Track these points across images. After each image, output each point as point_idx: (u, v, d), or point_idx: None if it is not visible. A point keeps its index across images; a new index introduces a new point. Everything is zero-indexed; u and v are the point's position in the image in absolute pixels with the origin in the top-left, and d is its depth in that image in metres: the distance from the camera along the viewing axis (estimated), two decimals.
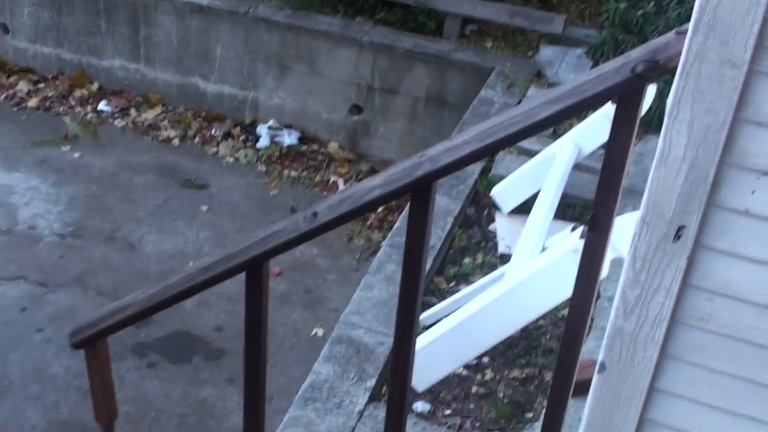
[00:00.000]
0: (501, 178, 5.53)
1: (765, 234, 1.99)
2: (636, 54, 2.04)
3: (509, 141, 2.15)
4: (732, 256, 2.04)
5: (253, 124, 7.70)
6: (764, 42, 1.81)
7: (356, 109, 7.42)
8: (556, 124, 2.12)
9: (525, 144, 5.83)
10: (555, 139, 5.46)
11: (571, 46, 6.94)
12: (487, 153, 2.23)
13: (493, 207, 5.50)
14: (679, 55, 1.88)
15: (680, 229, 2.01)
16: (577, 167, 5.16)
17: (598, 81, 2.06)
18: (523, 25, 7.18)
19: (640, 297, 2.11)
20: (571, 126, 5.42)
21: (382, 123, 7.37)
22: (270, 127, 7.59)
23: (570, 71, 6.66)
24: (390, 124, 7.34)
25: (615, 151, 2.13)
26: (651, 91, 4.44)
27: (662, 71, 2.00)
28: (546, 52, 6.89)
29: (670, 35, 2.01)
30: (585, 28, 7.17)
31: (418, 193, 2.25)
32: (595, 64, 6.51)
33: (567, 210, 5.39)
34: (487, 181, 5.71)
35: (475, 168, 5.75)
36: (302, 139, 7.59)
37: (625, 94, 2.07)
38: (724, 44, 1.81)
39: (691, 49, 1.83)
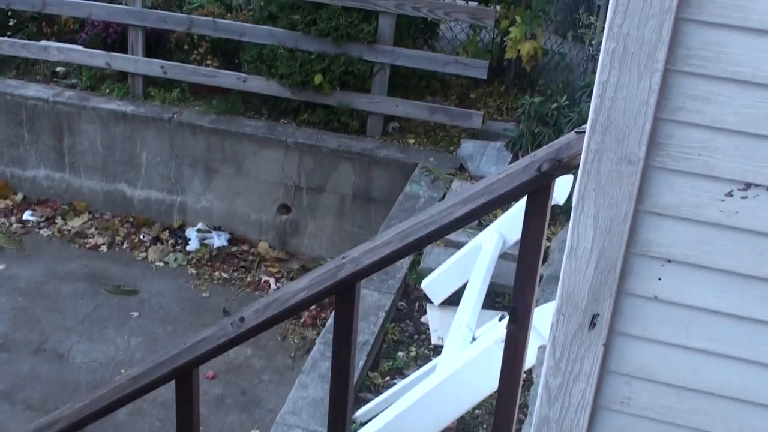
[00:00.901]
0: (430, 270, 5.63)
1: (673, 318, 2.10)
2: (541, 153, 2.17)
3: (427, 240, 2.24)
4: (645, 340, 2.14)
5: (182, 228, 7.71)
6: (657, 139, 1.95)
7: (284, 208, 7.50)
8: (471, 221, 2.23)
9: (452, 236, 5.94)
10: (480, 231, 5.59)
11: (491, 139, 7.16)
12: (407, 252, 2.32)
13: (425, 299, 5.58)
14: (580, 153, 2.00)
15: (594, 317, 2.11)
16: (503, 256, 5.28)
17: (508, 180, 2.18)
18: (444, 122, 7.40)
19: (562, 385, 2.18)
20: (495, 217, 5.57)
21: (311, 221, 7.45)
22: (199, 230, 7.60)
23: (491, 164, 6.85)
24: (319, 221, 7.43)
25: (528, 245, 2.23)
26: (570, 179, 4.62)
27: (566, 169, 2.12)
28: (467, 147, 7.09)
29: (572, 135, 2.14)
30: (503, 122, 7.41)
31: (342, 294, 2.32)
32: (515, 157, 6.72)
33: (496, 299, 5.49)
34: (417, 274, 5.79)
35: (404, 262, 5.83)
36: (232, 241, 7.61)
37: (534, 191, 2.19)
38: (620, 142, 1.94)
39: (590, 148, 1.96)
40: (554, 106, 6.47)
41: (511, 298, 2.30)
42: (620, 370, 2.16)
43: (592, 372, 2.14)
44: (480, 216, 2.34)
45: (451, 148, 7.28)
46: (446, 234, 2.25)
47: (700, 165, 1.95)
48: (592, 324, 2.11)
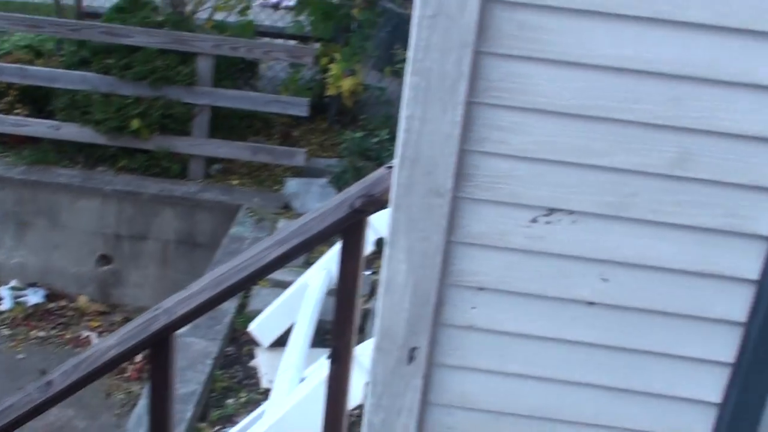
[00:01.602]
0: (258, 312, 5.54)
1: (489, 345, 2.13)
2: (354, 190, 2.16)
3: (243, 285, 2.19)
4: (464, 369, 2.15)
5: None
6: (464, 170, 1.97)
7: (105, 259, 7.22)
8: (287, 263, 2.20)
9: (278, 276, 5.88)
10: (307, 269, 5.56)
11: (315, 176, 7.17)
12: (223, 299, 2.25)
13: (253, 343, 5.48)
14: None
15: (413, 351, 2.10)
16: (331, 293, 5.26)
17: (321, 219, 2.15)
18: (268, 161, 7.35)
19: (385, 421, 2.16)
20: (322, 253, 5.55)
21: (134, 270, 7.21)
22: (12, 288, 7.21)
23: (316, 201, 6.85)
24: (142, 270, 7.20)
25: (345, 284, 2.21)
26: None
27: (379, 205, 2.13)
28: (292, 185, 7.07)
29: (383, 170, 2.15)
30: (327, 158, 7.44)
31: (156, 348, 2.22)
32: (340, 192, 6.74)
33: (326, 336, 5.45)
34: (245, 317, 5.70)
35: (231, 306, 5.72)
36: (50, 297, 7.26)
37: (348, 229, 2.17)
38: (428, 175, 1.95)
39: (400, 182, 1.96)
40: (376, 140, 6.56)
41: (332, 337, 2.27)
42: (441, 401, 2.16)
43: (413, 406, 2.14)
44: (296, 257, 2.30)
45: (276, 187, 7.24)
46: (262, 277, 2.21)
47: (506, 193, 1.99)
48: (411, 357, 2.10)
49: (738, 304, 2.05)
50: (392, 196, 1.98)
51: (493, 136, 1.93)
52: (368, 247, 4.54)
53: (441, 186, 1.95)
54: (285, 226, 2.17)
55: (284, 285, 5.71)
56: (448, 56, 1.83)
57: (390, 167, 2.06)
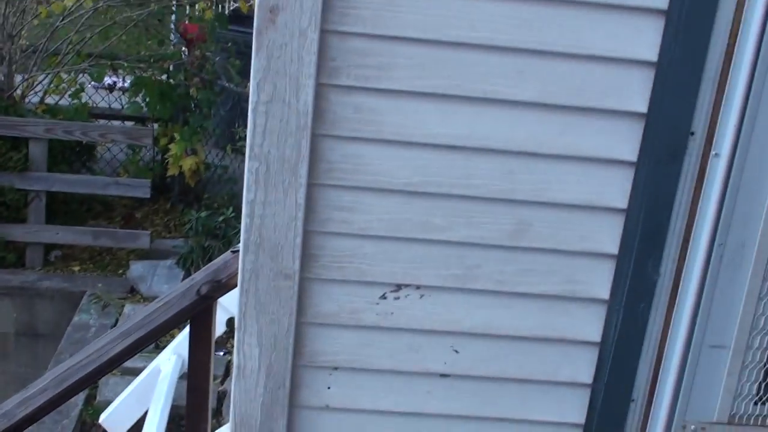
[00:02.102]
0: (108, 402, 5.30)
1: (347, 424, 2.11)
2: (199, 276, 2.13)
3: (87, 382, 2.11)
4: None
5: None
6: (309, 251, 1.98)
7: None
8: (134, 355, 2.13)
9: (127, 363, 5.66)
10: (158, 353, 5.39)
11: (161, 258, 7.00)
12: (67, 397, 2.16)
13: None
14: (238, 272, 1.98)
15: None
16: (184, 377, 5.11)
17: (167, 308, 2.10)
18: (110, 245, 7.14)
19: None
20: (173, 336, 5.40)
21: None
22: None
23: (163, 283, 6.69)
24: None
25: (196, 372, 2.16)
26: None
27: (226, 289, 2.10)
28: (137, 268, 6.88)
29: (228, 255, 2.13)
30: (172, 239, 7.29)
31: None
32: (187, 273, 6.62)
33: (181, 422, 5.29)
34: (93, 408, 5.45)
35: (78, 398, 5.47)
36: None
37: (196, 316, 2.13)
38: (274, 259, 1.94)
39: (246, 267, 1.94)
40: (221, 218, 6.49)
41: (185, 427, 2.20)
42: None
43: None
44: (142, 349, 2.24)
45: (121, 272, 7.03)
46: (108, 372, 2.13)
47: (353, 272, 2.00)
48: None
49: (583, 367, 2.13)
50: (239, 280, 1.96)
51: (336, 216, 1.95)
52: (220, 328, 4.47)
53: (288, 268, 1.95)
54: (130, 317, 2.11)
55: (135, 372, 5.49)
56: (287, 140, 1.85)
57: (236, 251, 2.05)
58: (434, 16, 1.83)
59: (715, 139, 1.94)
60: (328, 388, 2.09)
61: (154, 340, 2.13)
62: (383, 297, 2.03)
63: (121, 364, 2.11)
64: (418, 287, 2.04)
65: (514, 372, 2.13)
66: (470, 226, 2.00)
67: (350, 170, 1.92)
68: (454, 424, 2.15)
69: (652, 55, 1.88)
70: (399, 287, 2.03)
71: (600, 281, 2.06)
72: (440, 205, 1.98)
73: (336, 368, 2.08)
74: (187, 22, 7.59)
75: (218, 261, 2.11)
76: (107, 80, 7.98)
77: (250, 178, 1.87)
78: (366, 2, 1.81)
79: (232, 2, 8.38)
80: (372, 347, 2.07)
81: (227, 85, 7.32)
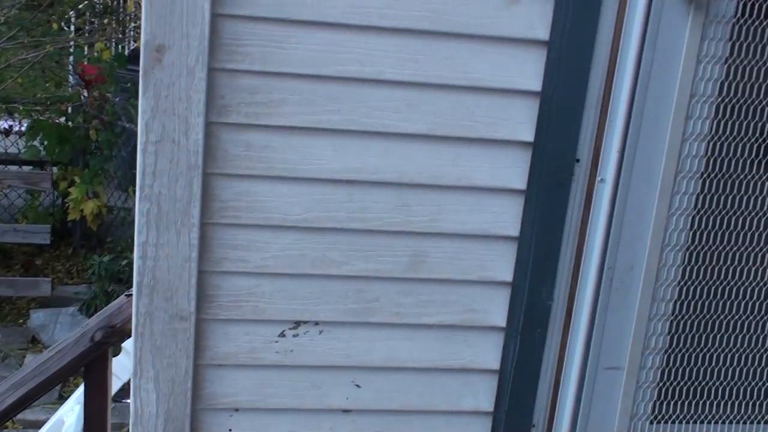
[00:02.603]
0: None
1: None
2: (93, 323, 2.08)
3: None
4: None
5: None
6: (205, 291, 1.95)
7: None
8: (25, 408, 2.05)
9: (29, 416, 5.54)
10: (61, 404, 5.23)
11: (64, 305, 6.83)
12: None
13: None
14: None
15: None
16: None
17: (61, 356, 2.05)
18: (9, 294, 6.92)
19: None
20: (77, 386, 5.25)
21: None
22: None
23: (66, 331, 6.51)
24: None
25: (93, 421, 2.10)
26: None
27: (121, 334, 2.05)
28: (38, 317, 6.69)
29: (123, 299, 2.08)
30: (75, 285, 7.13)
31: None
32: None
33: None
34: None
35: None
36: None
37: (91, 363, 2.08)
38: (168, 300, 1.91)
39: (140, 310, 1.90)
40: (125, 262, 6.38)
41: None
42: None
43: None
44: (36, 399, 2.16)
45: (21, 321, 6.82)
46: (1, 427, 2.04)
47: (250, 311, 1.98)
48: None
49: (484, 395, 2.15)
50: (134, 324, 1.92)
51: (231, 255, 1.93)
52: (126, 375, 4.37)
53: (183, 310, 1.92)
54: (22, 368, 2.04)
55: (38, 425, 5.33)
56: (178, 180, 1.83)
57: (130, 295, 2.01)
58: (321, 52, 1.84)
59: (600, 164, 2.00)
60: (230, 430, 2.06)
61: (48, 389, 2.07)
62: (282, 335, 2.02)
63: (13, 416, 2.04)
64: (316, 323, 2.03)
65: (417, 404, 2.13)
66: (367, 260, 2.00)
67: (244, 208, 1.91)
68: None
69: (536, 85, 1.93)
70: (298, 324, 2.02)
71: (496, 309, 2.09)
72: (336, 240, 1.98)
73: (237, 410, 2.05)
74: (85, 63, 7.47)
75: (112, 306, 2.06)
76: (2, 124, 7.77)
77: (141, 219, 1.84)
78: (254, 39, 1.81)
79: (132, 42, 8.29)
80: (273, 386, 2.05)
81: (128, 125, 7.22)
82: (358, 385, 2.09)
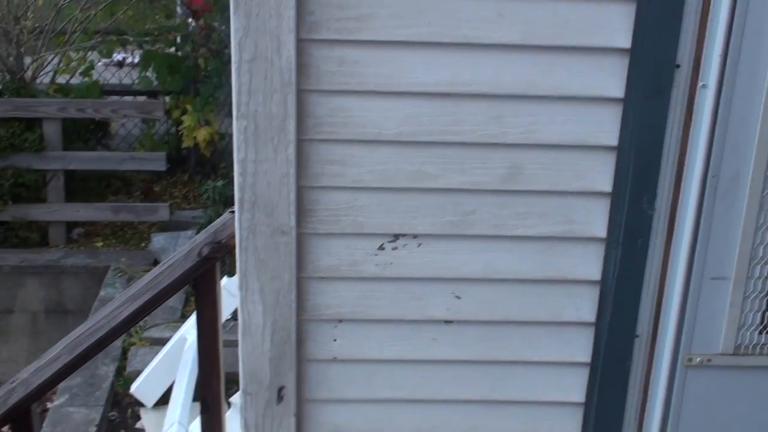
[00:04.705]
0: (138, 373, 5.40)
1: (355, 375, 2.15)
2: (201, 238, 2.16)
3: (99, 346, 2.15)
4: (333, 402, 2.17)
5: None
6: (305, 206, 2.00)
7: None
8: (142, 318, 2.17)
9: (155, 333, 5.81)
10: (183, 322, 5.47)
11: (181, 229, 7.07)
12: (80, 363, 2.20)
13: (137, 404, 5.34)
14: None
15: (281, 390, 2.10)
16: None
17: (171, 270, 2.14)
18: (131, 219, 7.21)
19: None
20: None
21: (3, 345, 6.93)
22: None
23: None
24: (12, 345, 6.93)
25: (205, 333, 2.20)
26: None
27: (226, 250, 2.12)
28: (159, 240, 6.95)
29: (227, 215, 2.15)
30: (192, 210, 7.36)
31: (17, 422, 2.15)
32: None
33: None
34: (125, 379, 5.56)
35: (109, 370, 5.58)
36: None
37: (200, 277, 2.16)
38: (269, 215, 1.97)
39: (243, 225, 1.97)
40: None
41: (199, 388, 2.25)
42: None
43: None
44: (150, 311, 2.27)
45: (143, 245, 7.11)
46: (119, 336, 2.17)
47: (349, 225, 2.02)
48: (280, 397, 2.10)
49: (585, 306, 2.14)
50: (237, 239, 1.99)
51: (328, 171, 1.97)
52: (226, 312, 4.53)
53: (284, 224, 1.97)
54: (137, 282, 2.15)
55: (162, 342, 5.59)
56: (272, 97, 1.86)
57: (233, 211, 2.07)
58: None
59: (701, 69, 1.94)
60: (334, 340, 2.12)
61: (162, 302, 2.18)
62: (381, 248, 2.05)
63: (131, 326, 2.16)
64: (415, 236, 2.06)
65: (518, 315, 2.15)
66: (463, 173, 2.01)
67: (338, 124, 1.94)
68: (462, 369, 2.18)
69: None
70: (396, 237, 2.05)
71: (596, 220, 2.07)
72: (431, 153, 1.99)
73: (340, 320, 2.11)
74: None
75: (217, 222, 2.14)
76: (116, 56, 8.01)
77: (239, 137, 1.89)
78: None
79: None
80: (374, 298, 2.10)
81: None
82: (458, 297, 2.12)
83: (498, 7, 1.87)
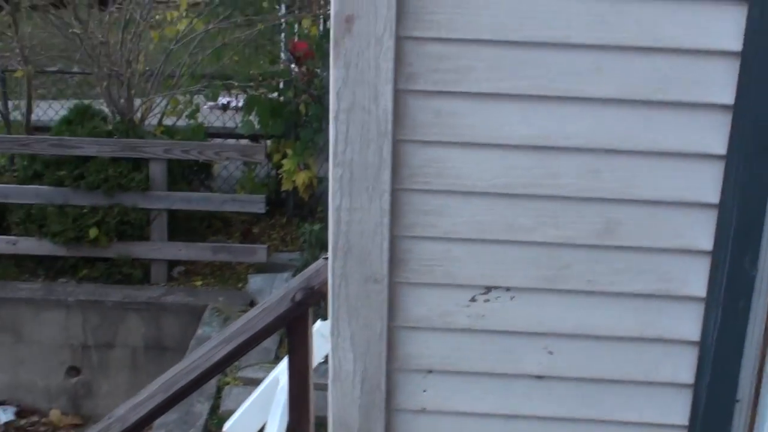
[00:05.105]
0: (231, 412, 5.46)
1: (444, 427, 2.13)
2: (294, 283, 2.19)
3: (194, 386, 2.19)
4: None
5: None
6: (398, 255, 2.01)
7: (74, 370, 7.13)
8: (236, 360, 2.21)
9: (249, 373, 5.89)
10: (277, 363, 5.53)
11: (278, 271, 7.16)
12: (176, 401, 2.25)
13: None
14: None
15: None
16: None
17: (265, 314, 2.17)
18: (229, 260, 7.35)
19: None
20: None
21: (104, 380, 7.11)
22: None
23: None
24: (112, 379, 7.10)
25: (296, 379, 2.22)
26: None
27: (319, 296, 2.14)
28: (256, 281, 7.06)
29: (321, 262, 2.18)
30: (289, 252, 7.45)
31: None
32: None
33: None
34: (218, 418, 5.63)
35: (203, 407, 5.66)
36: (20, 413, 7.12)
37: (292, 322, 2.19)
38: (362, 263, 1.98)
39: (335, 272, 1.99)
40: None
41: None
42: None
43: None
44: (243, 354, 2.31)
45: (240, 285, 7.23)
46: (213, 376, 2.21)
47: (442, 275, 2.02)
48: None
49: (684, 366, 2.08)
50: (330, 286, 2.00)
51: (422, 221, 1.98)
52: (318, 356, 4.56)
53: (377, 273, 1.98)
54: (231, 324, 2.19)
55: (256, 382, 5.64)
56: (369, 146, 1.89)
57: (327, 258, 2.09)
58: (507, 17, 1.83)
59: None
60: (424, 391, 2.11)
61: (255, 344, 2.21)
62: (473, 300, 2.04)
63: (224, 368, 2.20)
64: (507, 289, 2.04)
65: (612, 373, 2.10)
66: (558, 227, 1.99)
67: (433, 174, 1.95)
68: (553, 426, 2.14)
69: (736, 45, 1.84)
70: (489, 289, 2.04)
71: (695, 279, 2.02)
72: (526, 206, 1.98)
73: (430, 371, 2.10)
74: (295, 39, 7.76)
75: (311, 268, 2.16)
76: (221, 100, 8.23)
77: (335, 185, 1.92)
78: (439, 7, 1.84)
79: None
80: (465, 350, 2.09)
81: None
82: (550, 352, 2.09)
83: (596, 60, 1.86)
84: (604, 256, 2.02)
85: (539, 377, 2.10)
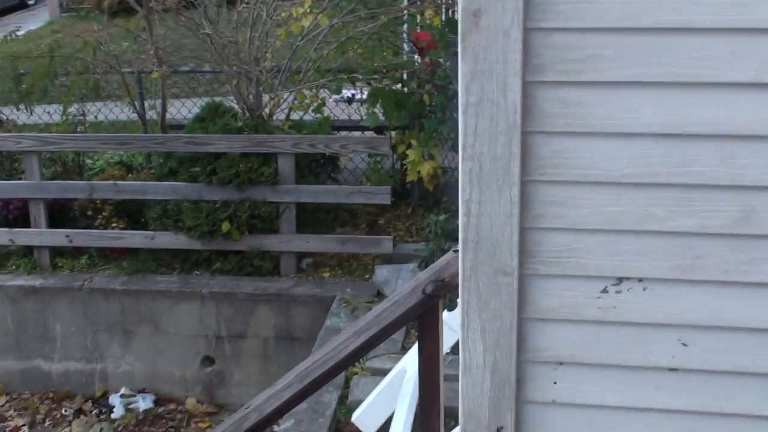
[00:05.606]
0: (360, 402, 5.54)
1: (574, 419, 2.12)
2: (424, 276, 2.21)
3: (327, 377, 2.24)
4: None
5: (105, 396, 7.48)
6: (526, 247, 2.01)
7: (208, 360, 7.37)
8: (367, 352, 2.25)
9: (376, 364, 5.94)
10: (403, 354, 5.57)
11: (404, 262, 7.21)
12: (309, 392, 2.31)
13: None
14: None
15: (499, 430, 2.11)
16: None
17: (396, 307, 2.20)
18: (356, 251, 7.44)
19: None
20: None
21: (236, 369, 7.33)
22: (122, 396, 7.40)
23: None
24: (244, 368, 7.32)
25: (426, 370, 2.24)
26: None
27: (449, 288, 2.16)
28: (382, 272, 7.13)
29: (450, 254, 2.19)
30: (414, 243, 7.49)
31: None
32: None
33: None
34: (347, 408, 5.72)
35: (332, 398, 5.76)
36: (158, 401, 7.42)
37: (423, 314, 2.21)
38: (492, 256, 1.99)
39: (466, 265, 2.00)
40: None
41: (420, 422, 2.30)
42: None
43: None
44: (375, 346, 2.35)
45: (367, 276, 7.31)
46: (345, 368, 2.26)
47: (572, 267, 2.01)
48: None
49: None
50: (461, 278, 2.02)
51: (550, 212, 1.97)
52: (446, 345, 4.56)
53: (506, 265, 1.99)
54: (363, 317, 2.23)
55: (383, 372, 5.71)
56: (497, 139, 1.89)
57: (457, 250, 2.11)
58: (633, 4, 1.81)
59: None
60: (554, 383, 2.11)
61: (385, 337, 2.25)
62: (604, 291, 2.02)
63: (357, 359, 2.25)
64: (640, 280, 2.01)
65: (749, 366, 2.05)
66: (691, 215, 1.95)
67: (561, 165, 1.93)
68: (686, 419, 2.10)
69: None
70: (620, 280, 2.01)
71: None
72: (657, 195, 1.94)
73: (561, 363, 2.09)
74: (418, 30, 7.78)
75: (441, 261, 2.18)
76: (346, 93, 8.33)
77: (464, 178, 1.93)
78: None
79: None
80: (596, 342, 2.07)
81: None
82: (684, 344, 2.05)
83: (731, 44, 1.81)
84: (740, 245, 1.96)
85: (672, 369, 2.07)
